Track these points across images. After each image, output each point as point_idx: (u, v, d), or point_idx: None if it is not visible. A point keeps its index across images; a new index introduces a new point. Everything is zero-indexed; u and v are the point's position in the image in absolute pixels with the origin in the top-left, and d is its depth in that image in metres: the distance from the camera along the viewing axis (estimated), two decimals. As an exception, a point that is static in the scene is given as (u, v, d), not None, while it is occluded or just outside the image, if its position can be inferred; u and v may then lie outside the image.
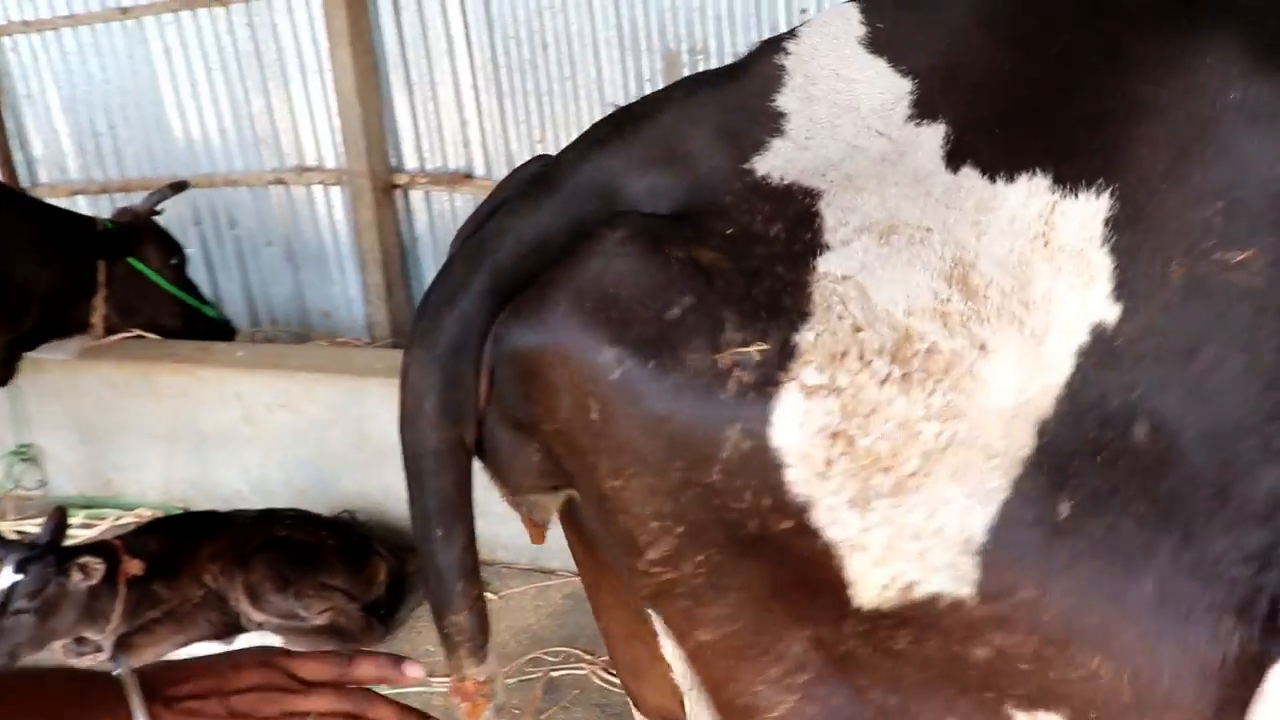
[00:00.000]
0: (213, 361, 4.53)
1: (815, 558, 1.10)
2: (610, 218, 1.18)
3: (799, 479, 1.07)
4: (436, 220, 5.10)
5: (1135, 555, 1.08)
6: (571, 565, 4.04)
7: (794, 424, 1.06)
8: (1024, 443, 1.07)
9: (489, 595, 4.13)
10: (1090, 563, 1.08)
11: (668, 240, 1.13)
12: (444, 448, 1.29)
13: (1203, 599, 1.08)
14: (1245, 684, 1.09)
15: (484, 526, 4.47)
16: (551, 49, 4.56)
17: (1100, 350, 1.08)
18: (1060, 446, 1.07)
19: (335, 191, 5.21)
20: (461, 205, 5.01)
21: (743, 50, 4.33)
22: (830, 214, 1.12)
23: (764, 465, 1.07)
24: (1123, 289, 1.09)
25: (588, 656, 3.73)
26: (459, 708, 1.41)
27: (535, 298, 1.18)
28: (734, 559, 1.15)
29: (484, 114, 4.79)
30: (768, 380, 1.06)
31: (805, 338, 1.06)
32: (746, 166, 1.18)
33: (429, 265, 5.19)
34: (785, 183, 1.15)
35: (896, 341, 1.06)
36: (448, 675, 1.41)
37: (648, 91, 4.71)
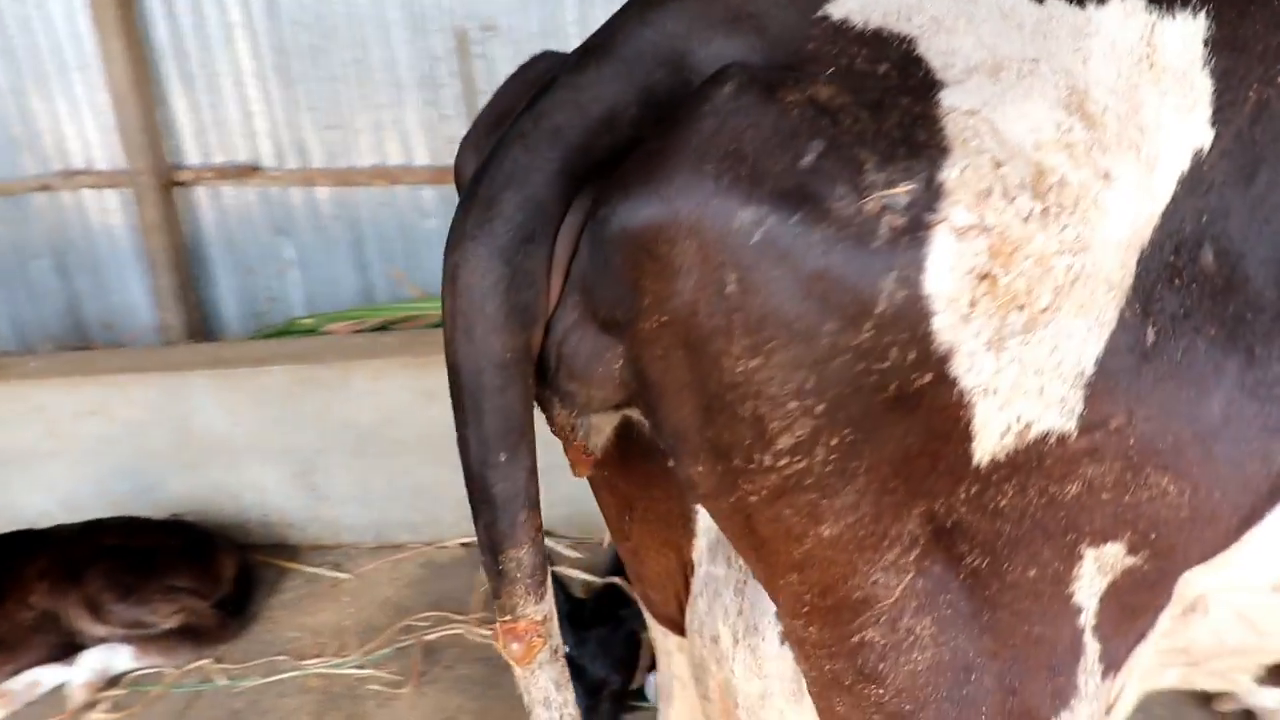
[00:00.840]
0: (6, 375, 4.25)
1: (948, 411, 1.07)
2: (715, 74, 1.08)
3: (944, 325, 1.02)
4: (224, 216, 4.97)
5: (1206, 376, 1.11)
6: (421, 536, 4.14)
7: (946, 268, 1.00)
8: (1130, 272, 1.07)
9: (340, 575, 4.13)
10: (1168, 385, 1.10)
11: (780, 85, 1.04)
12: (510, 358, 1.16)
13: (1259, 418, 1.12)
14: (1273, 498, 1.19)
15: (324, 509, 4.52)
16: (341, 32, 4.56)
17: (1192, 176, 1.08)
18: (1149, 274, 1.08)
19: (109, 195, 4.97)
20: (253, 199, 4.91)
21: (536, 27, 4.49)
22: (932, 56, 1.07)
23: (914, 315, 1.01)
24: (1219, 113, 1.09)
25: (458, 617, 3.81)
26: (510, 652, 1.34)
27: (645, 168, 1.06)
28: (867, 435, 1.08)
29: (272, 103, 4.73)
30: (919, 223, 0.99)
31: (950, 175, 0.99)
32: (819, 14, 1.11)
33: (221, 264, 5.05)
34: (871, 27, 1.10)
35: (1033, 175, 1.01)
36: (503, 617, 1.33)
37: (441, 72, 4.80)
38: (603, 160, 1.13)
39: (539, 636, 1.33)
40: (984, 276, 1.01)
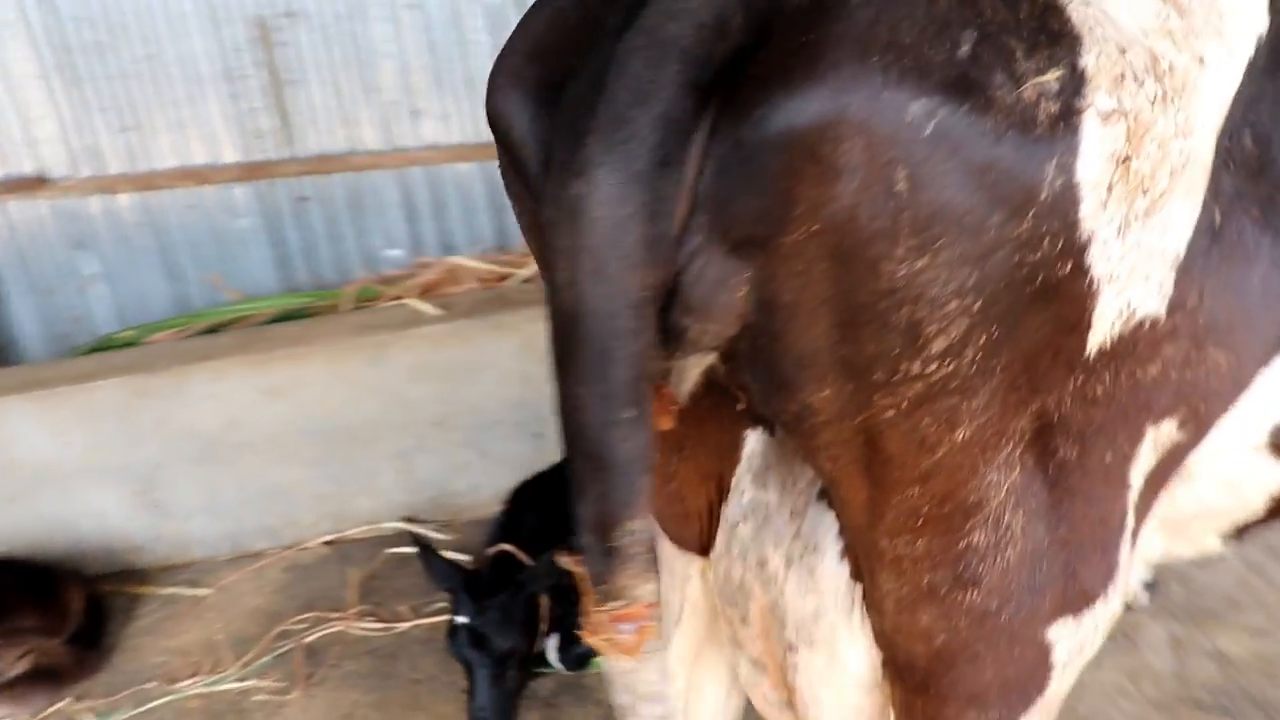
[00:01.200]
0: None
1: (1079, 302, 1.10)
2: None
3: (1088, 213, 1.04)
4: (13, 235, 4.60)
5: (1251, 253, 1.17)
6: (281, 540, 3.99)
7: (1094, 154, 1.02)
8: (1211, 157, 1.11)
9: (199, 592, 3.93)
10: (1226, 263, 1.16)
11: None
12: (646, 296, 1.07)
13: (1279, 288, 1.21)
14: (1262, 364, 1.28)
15: (171, 526, 4.30)
16: (130, 27, 4.30)
17: (1253, 64, 1.12)
18: (1218, 157, 1.13)
19: None
20: (45, 213, 4.57)
21: (341, 8, 4.36)
22: None
23: (1067, 203, 1.03)
24: (1274, 2, 1.15)
25: (334, 615, 3.70)
26: (618, 643, 1.24)
27: (806, 64, 1.00)
28: (1009, 331, 1.10)
29: (58, 105, 4.41)
30: (1070, 109, 1.00)
31: (1089, 61, 1.01)
32: None
33: (14, 286, 4.67)
34: None
35: (1150, 61, 1.04)
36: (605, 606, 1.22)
37: (244, 63, 4.60)
38: (722, 70, 1.05)
39: (651, 621, 1.23)
40: (1122, 161, 1.03)
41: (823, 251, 1.05)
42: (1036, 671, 1.42)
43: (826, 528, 1.43)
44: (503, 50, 1.32)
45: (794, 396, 1.18)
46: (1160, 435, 1.27)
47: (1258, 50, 1.13)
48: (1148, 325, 1.17)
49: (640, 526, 1.17)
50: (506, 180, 1.39)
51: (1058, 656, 1.41)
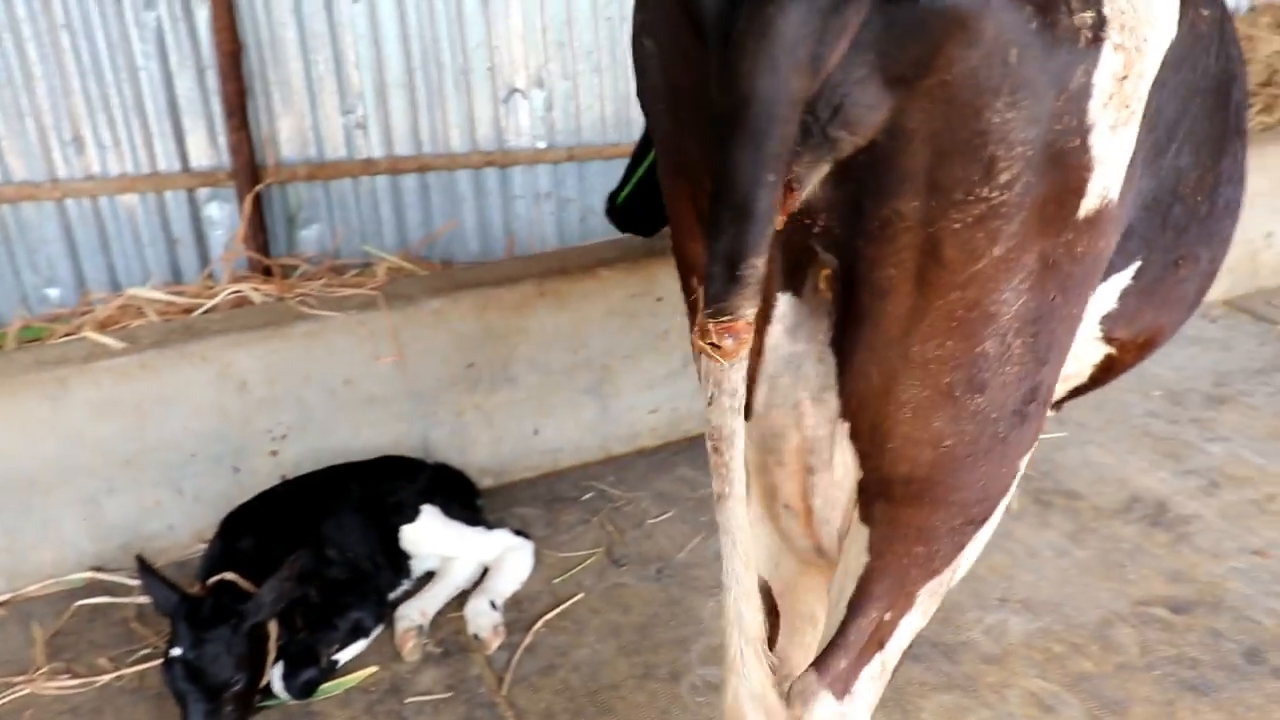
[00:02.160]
0: None
1: (1080, 170, 1.56)
2: None
3: (1094, 106, 1.53)
4: None
5: (1134, 178, 1.71)
6: None
7: (1105, 69, 1.51)
8: (1148, 98, 1.65)
9: None
10: (1129, 181, 1.68)
11: None
12: (800, 97, 1.43)
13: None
14: None
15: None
16: None
17: (1165, 57, 1.66)
18: (1150, 101, 1.66)
19: None
20: None
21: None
22: None
23: (1084, 94, 1.51)
24: (1184, 7, 1.69)
25: (19, 678, 3.40)
26: (721, 349, 1.55)
27: None
28: (1039, 178, 1.54)
29: None
30: (1097, 39, 1.49)
31: (1108, 9, 1.50)
32: None
33: None
34: None
35: (1132, 19, 1.54)
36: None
37: None
38: None
39: (747, 336, 1.56)
40: (1119, 79, 1.54)
41: (946, 95, 1.47)
42: (1004, 489, 1.88)
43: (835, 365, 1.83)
44: None
45: (888, 203, 1.58)
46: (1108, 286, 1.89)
47: (1169, 48, 1.64)
48: (1110, 208, 1.64)
49: (761, 263, 1.51)
50: (654, 35, 1.73)
51: (1016, 479, 1.89)
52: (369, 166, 5.10)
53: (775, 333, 1.84)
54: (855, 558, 1.89)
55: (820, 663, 1.92)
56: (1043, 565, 3.63)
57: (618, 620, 3.46)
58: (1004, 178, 1.52)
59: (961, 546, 1.90)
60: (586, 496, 4.17)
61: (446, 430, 4.14)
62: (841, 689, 1.92)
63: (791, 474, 1.94)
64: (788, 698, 1.92)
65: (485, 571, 3.69)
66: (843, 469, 1.87)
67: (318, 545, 3.41)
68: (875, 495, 1.85)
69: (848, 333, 1.74)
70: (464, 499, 3.86)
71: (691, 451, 4.45)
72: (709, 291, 1.54)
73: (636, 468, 4.36)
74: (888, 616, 1.90)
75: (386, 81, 5.04)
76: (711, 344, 1.55)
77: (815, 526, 1.97)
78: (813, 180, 1.58)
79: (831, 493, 1.91)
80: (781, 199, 1.52)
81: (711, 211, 1.52)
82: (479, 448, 4.21)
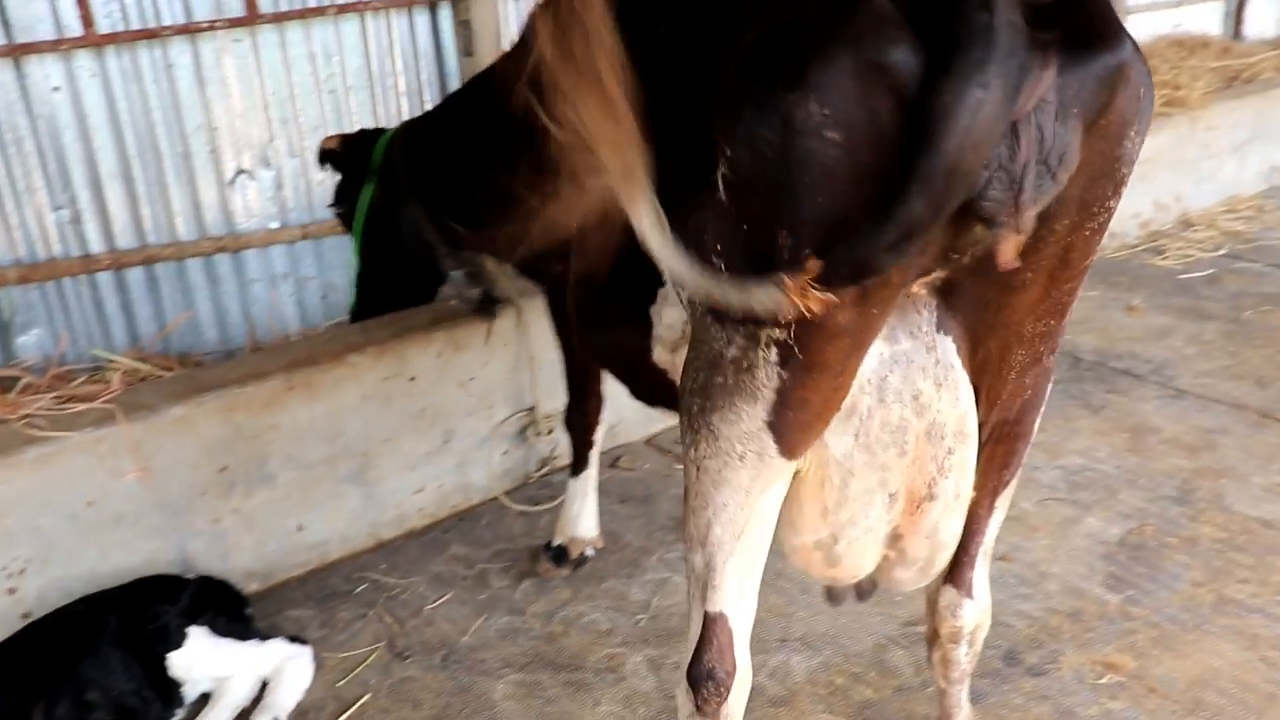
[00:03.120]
0: None
1: (1122, 180, 1.95)
2: None
3: (1136, 143, 1.93)
4: None
5: None
6: None
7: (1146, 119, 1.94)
8: None
9: None
10: None
11: None
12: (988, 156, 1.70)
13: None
14: None
15: None
16: None
17: None
18: None
19: None
20: None
21: None
22: None
23: (1140, 134, 1.92)
24: None
25: None
26: (814, 300, 1.73)
27: (1117, 30, 1.82)
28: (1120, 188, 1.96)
29: None
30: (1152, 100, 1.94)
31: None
32: None
33: None
34: None
35: None
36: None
37: None
38: (1039, 28, 1.71)
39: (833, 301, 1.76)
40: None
41: (1107, 130, 1.83)
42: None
43: (950, 349, 2.12)
44: (867, 26, 1.73)
45: (1049, 224, 1.89)
46: None
47: None
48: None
49: (900, 261, 1.74)
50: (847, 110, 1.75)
51: None
52: (89, 263, 4.84)
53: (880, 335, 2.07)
54: (962, 496, 2.30)
55: (954, 578, 2.56)
56: (815, 600, 3.82)
57: (409, 717, 3.42)
58: (1122, 190, 1.94)
59: (1021, 458, 2.45)
60: (360, 589, 4.09)
61: (205, 539, 3.97)
62: (969, 589, 2.58)
63: (912, 462, 2.19)
64: (937, 612, 2.63)
65: (264, 685, 3.56)
66: (974, 435, 2.23)
67: (76, 690, 3.21)
68: (981, 443, 2.28)
69: (966, 319, 2.11)
70: (232, 612, 3.70)
71: (462, 527, 4.46)
72: (851, 258, 1.73)
73: (408, 551, 4.32)
74: (987, 526, 2.50)
75: (101, 173, 4.81)
76: (804, 301, 1.73)
77: (925, 510, 2.26)
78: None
79: (968, 459, 2.25)
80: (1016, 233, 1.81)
81: (897, 208, 1.70)
82: (241, 552, 4.06)
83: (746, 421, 2.03)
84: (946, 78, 1.64)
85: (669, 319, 2.47)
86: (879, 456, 2.17)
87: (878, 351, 2.08)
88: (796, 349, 1.94)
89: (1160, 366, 5.48)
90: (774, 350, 1.96)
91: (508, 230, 3.92)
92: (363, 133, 4.40)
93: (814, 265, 1.71)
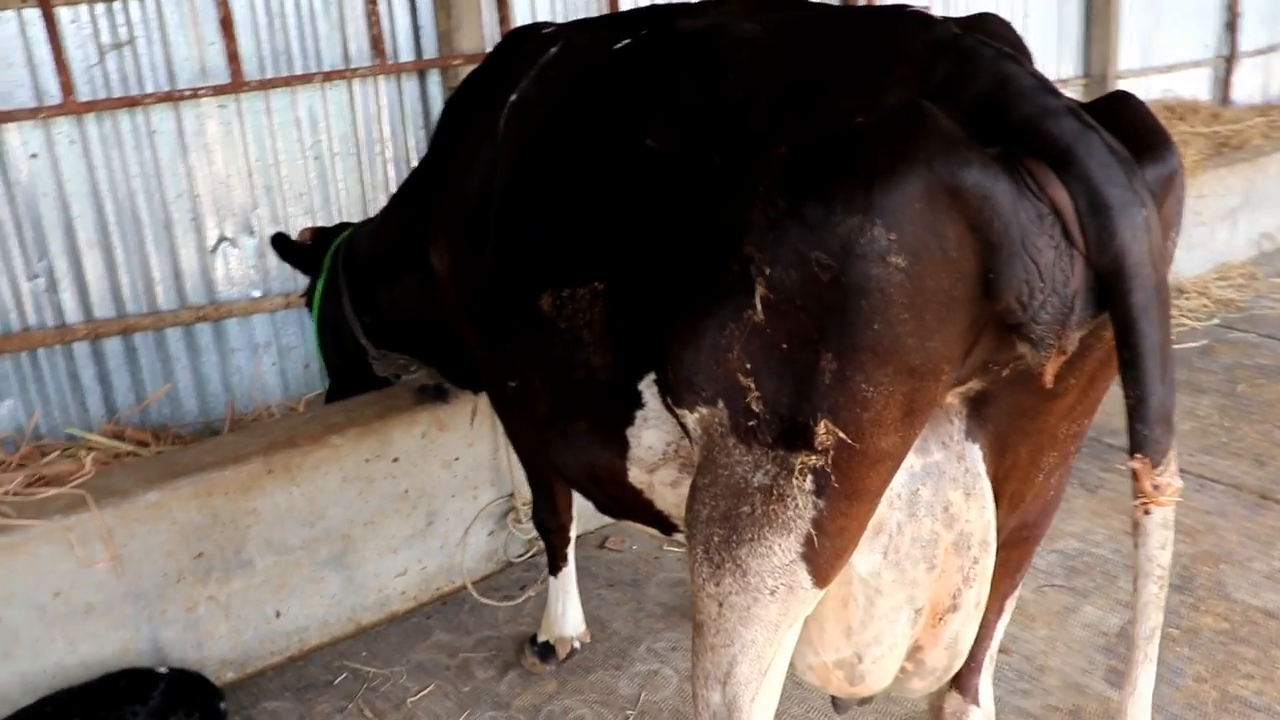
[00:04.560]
0: None
1: None
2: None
3: None
4: None
5: None
6: None
7: None
8: None
9: None
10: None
11: None
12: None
13: None
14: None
15: None
16: None
17: None
18: None
19: None
20: None
21: None
22: None
23: None
24: None
25: None
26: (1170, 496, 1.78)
27: (1164, 140, 1.79)
28: None
29: None
30: None
31: None
32: None
33: None
34: None
35: None
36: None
37: None
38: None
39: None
40: None
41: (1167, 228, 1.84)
42: None
43: (977, 456, 2.04)
44: (936, 148, 1.66)
45: (1094, 333, 1.83)
46: None
47: None
48: None
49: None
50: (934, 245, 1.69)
51: None
52: (65, 333, 4.73)
53: (913, 449, 1.95)
54: (981, 604, 2.20)
55: (961, 684, 2.48)
56: (808, 695, 3.71)
57: (386, 823, 3.28)
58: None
59: (1032, 559, 2.43)
60: (340, 679, 3.95)
61: (178, 628, 3.83)
62: (975, 696, 2.50)
63: (940, 574, 2.08)
64: (941, 718, 2.52)
65: (235, 788, 3.42)
66: (994, 542, 2.13)
67: (38, 801, 3.07)
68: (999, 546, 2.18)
69: (997, 425, 2.03)
70: (205, 708, 3.57)
71: (445, 612, 4.33)
72: (1153, 445, 1.75)
73: (390, 637, 4.19)
74: (995, 631, 2.44)
75: (79, 241, 4.72)
76: (1164, 495, 1.78)
77: (947, 621, 2.16)
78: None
79: (990, 566, 2.15)
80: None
81: (1136, 375, 1.74)
82: (216, 641, 3.92)
83: (779, 555, 1.91)
84: (1109, 213, 1.67)
85: (649, 441, 2.23)
86: (908, 573, 2.06)
87: (908, 465, 1.99)
88: (834, 477, 1.82)
89: (1156, 442, 5.39)
90: (809, 479, 1.84)
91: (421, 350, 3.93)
92: (323, 231, 4.37)
93: None
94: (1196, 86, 9.66)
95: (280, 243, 4.28)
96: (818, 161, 1.74)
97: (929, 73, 1.83)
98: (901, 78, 1.85)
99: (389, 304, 3.85)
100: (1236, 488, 4.93)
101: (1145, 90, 8.97)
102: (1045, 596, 4.19)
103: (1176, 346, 6.57)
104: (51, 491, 3.73)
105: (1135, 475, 1.79)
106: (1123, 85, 8.79)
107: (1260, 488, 4.92)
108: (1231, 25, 9.87)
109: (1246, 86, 10.16)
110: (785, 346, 1.78)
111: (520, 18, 5.71)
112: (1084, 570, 4.37)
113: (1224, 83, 9.93)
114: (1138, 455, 1.77)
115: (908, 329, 1.71)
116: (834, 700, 2.58)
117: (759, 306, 1.78)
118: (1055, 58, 8.49)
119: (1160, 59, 9.26)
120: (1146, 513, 1.79)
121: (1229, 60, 9.91)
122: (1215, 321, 6.95)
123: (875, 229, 1.65)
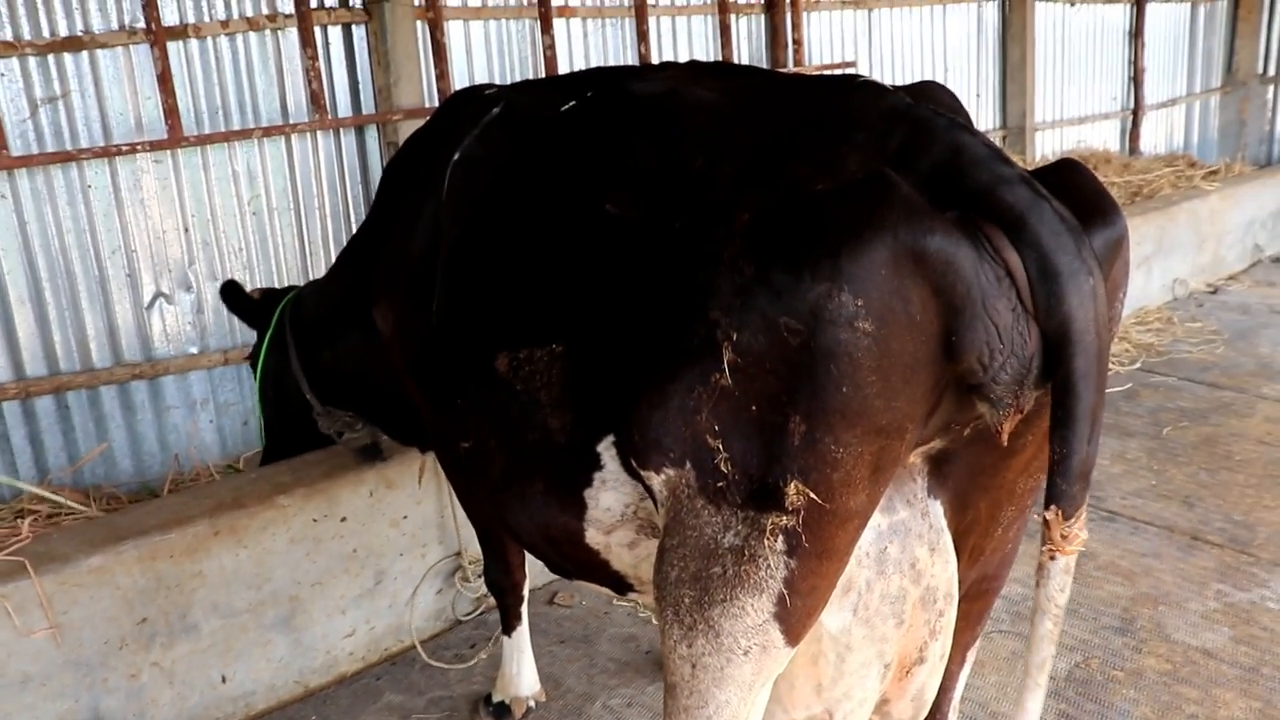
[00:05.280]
0: None
1: None
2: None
3: None
4: None
5: None
6: None
7: None
8: None
9: None
10: None
11: None
12: None
13: None
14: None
15: None
16: None
17: None
18: None
19: None
20: None
21: None
22: None
23: None
24: None
25: None
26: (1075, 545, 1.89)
27: (1111, 205, 1.89)
28: None
29: None
30: None
31: None
32: None
33: None
34: None
35: None
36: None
37: None
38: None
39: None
40: None
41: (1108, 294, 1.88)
42: None
43: (940, 512, 2.07)
44: (901, 215, 1.70)
45: (1049, 399, 1.85)
46: None
47: None
48: None
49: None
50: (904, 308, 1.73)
51: None
52: (-6, 393, 4.58)
53: (879, 508, 1.99)
54: (945, 654, 2.22)
55: None
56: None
57: None
58: (1109, 347, 1.89)
59: (991, 610, 2.50)
60: (288, 746, 3.86)
61: (120, 696, 3.70)
62: None
63: (907, 630, 2.10)
64: None
65: None
66: (956, 594, 2.16)
67: None
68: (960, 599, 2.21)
69: (957, 483, 2.07)
70: (150, 781, 3.45)
71: (395, 673, 4.25)
72: (1069, 500, 1.83)
73: (339, 700, 4.10)
74: (957, 682, 2.51)
75: (9, 298, 4.59)
76: (1070, 545, 1.89)
77: (914, 674, 2.20)
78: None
79: (953, 619, 2.17)
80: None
81: (1066, 435, 1.79)
82: (160, 708, 3.80)
83: (752, 616, 1.91)
84: (1058, 280, 1.73)
85: (607, 503, 2.20)
86: (878, 629, 2.09)
87: (875, 523, 2.01)
88: (805, 537, 1.84)
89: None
90: (780, 539, 1.85)
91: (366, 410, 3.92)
92: (272, 291, 4.32)
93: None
94: (1107, 137, 10.05)
95: (230, 291, 4.19)
96: (784, 228, 1.77)
97: (885, 141, 1.88)
98: (859, 145, 1.89)
99: (333, 362, 3.81)
100: (1169, 529, 5.08)
101: (1059, 141, 9.30)
102: (993, 642, 4.26)
103: (1101, 391, 6.77)
104: (-14, 558, 3.60)
105: (1047, 524, 1.88)
106: (1038, 136, 9.11)
107: (1191, 529, 5.07)
108: (1136, 80, 10.34)
109: (1151, 137, 10.61)
110: (754, 409, 1.81)
111: (458, 73, 5.73)
112: (1028, 616, 4.43)
113: (1132, 134, 10.35)
114: (1054, 507, 1.86)
115: (875, 390, 1.74)
116: None
117: (726, 370, 1.80)
118: (975, 111, 8.77)
119: (1072, 111, 9.63)
120: (1052, 558, 1.92)
121: (1135, 113, 10.35)
122: (1137, 366, 7.18)
123: (843, 294, 1.68)
